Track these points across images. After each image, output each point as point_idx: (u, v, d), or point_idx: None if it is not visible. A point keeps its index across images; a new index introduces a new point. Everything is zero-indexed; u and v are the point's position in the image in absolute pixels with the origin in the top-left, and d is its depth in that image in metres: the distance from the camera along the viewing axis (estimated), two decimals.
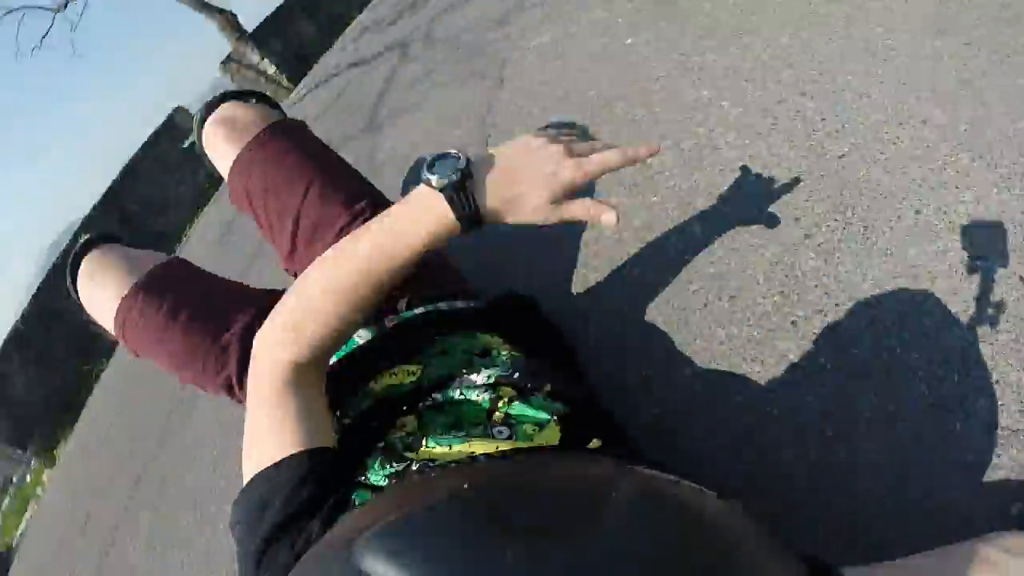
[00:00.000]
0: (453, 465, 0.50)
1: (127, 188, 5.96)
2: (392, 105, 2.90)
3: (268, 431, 0.54)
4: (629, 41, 1.85)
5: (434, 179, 0.51)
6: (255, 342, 0.59)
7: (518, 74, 2.18)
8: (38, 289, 5.38)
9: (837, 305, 0.88)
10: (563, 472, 0.46)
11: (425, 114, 2.50)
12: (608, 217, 0.53)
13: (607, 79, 1.75)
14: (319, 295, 0.56)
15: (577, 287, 1.26)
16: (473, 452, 0.52)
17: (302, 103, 4.46)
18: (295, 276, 0.89)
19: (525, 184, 0.52)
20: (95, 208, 5.83)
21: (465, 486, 0.39)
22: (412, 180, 2.07)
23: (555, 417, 0.59)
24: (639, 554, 0.32)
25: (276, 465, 0.51)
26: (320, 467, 0.52)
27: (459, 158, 0.52)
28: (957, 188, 0.90)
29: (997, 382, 0.70)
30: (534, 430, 0.57)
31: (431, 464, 0.51)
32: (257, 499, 0.51)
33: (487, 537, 0.33)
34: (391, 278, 0.56)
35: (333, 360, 0.72)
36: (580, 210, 0.54)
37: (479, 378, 0.64)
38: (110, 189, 5.96)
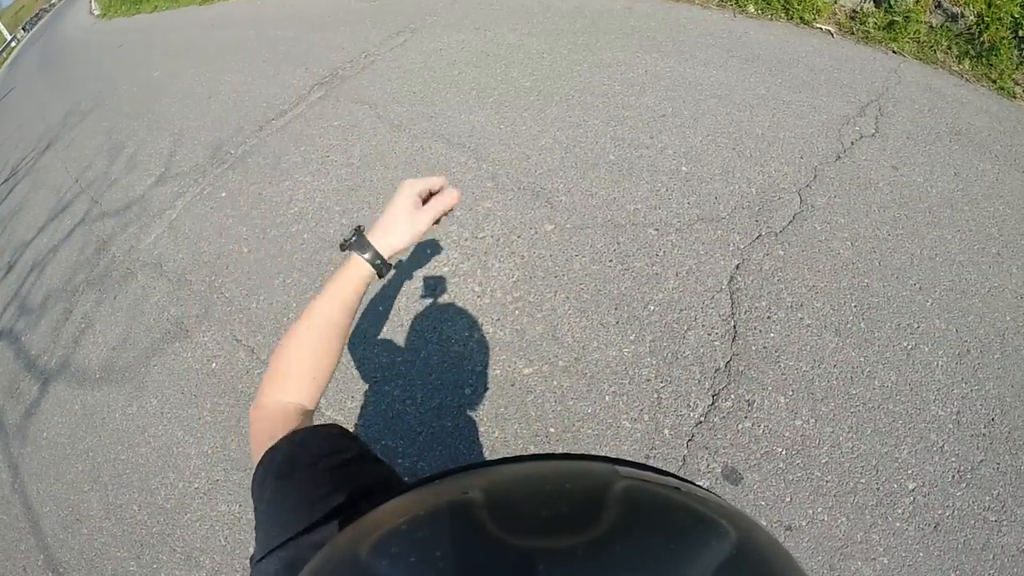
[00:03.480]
0: (453, 471, 0.52)
1: None
2: None
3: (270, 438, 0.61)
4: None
5: (347, 248, 0.73)
6: (260, 395, 0.69)
7: None
8: None
9: None
10: (563, 474, 0.48)
11: None
12: (453, 195, 0.73)
13: None
14: (300, 343, 0.71)
15: None
16: None
17: None
18: None
19: (396, 214, 0.71)
20: None
21: (467, 491, 0.40)
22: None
23: None
24: (638, 554, 0.33)
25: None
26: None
27: (358, 229, 0.73)
28: None
29: None
30: None
31: None
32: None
33: (489, 539, 0.34)
34: (346, 317, 0.73)
35: None
36: (435, 206, 0.72)
37: None
38: None
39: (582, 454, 0.53)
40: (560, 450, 1.80)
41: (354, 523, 0.44)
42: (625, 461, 0.49)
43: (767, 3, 3.37)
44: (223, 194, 3.07)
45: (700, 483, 0.71)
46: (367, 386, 2.09)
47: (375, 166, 2.88)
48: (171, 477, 2.14)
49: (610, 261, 2.19)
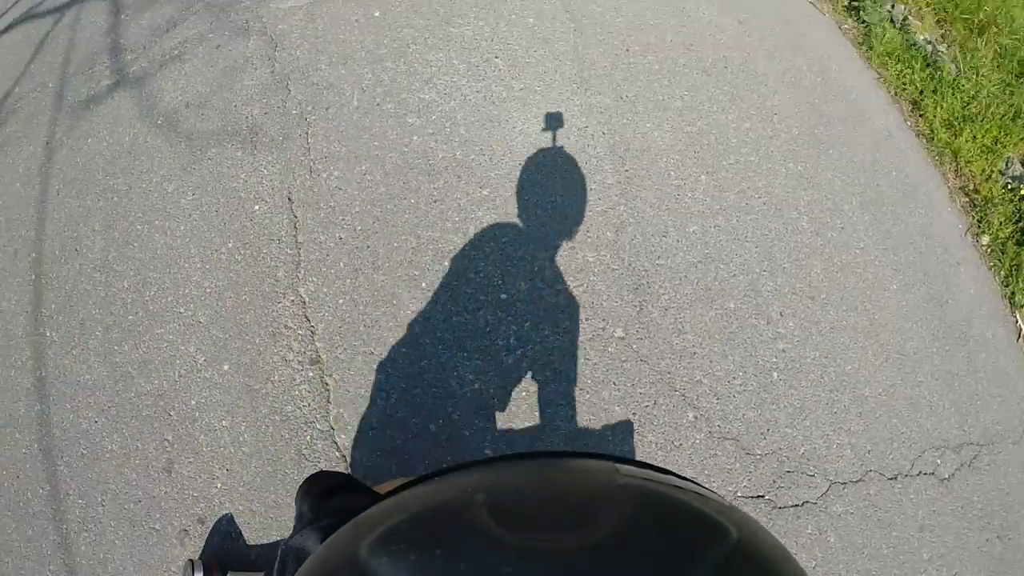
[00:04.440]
0: (455, 468, 0.52)
1: None
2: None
3: None
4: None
5: None
6: None
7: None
8: None
9: None
10: (563, 472, 0.48)
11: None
12: None
13: None
14: None
15: None
16: None
17: None
18: None
19: None
20: None
21: (468, 489, 0.40)
22: None
23: None
24: (639, 552, 0.33)
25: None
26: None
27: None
28: None
29: None
30: None
31: None
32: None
33: (490, 537, 0.34)
34: None
35: None
36: None
37: None
38: None
39: (582, 451, 0.58)
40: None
41: (354, 520, 0.44)
42: (625, 459, 0.50)
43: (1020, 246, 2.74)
44: (376, 13, 2.68)
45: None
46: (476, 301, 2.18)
47: (531, 102, 2.52)
48: (166, 284, 2.19)
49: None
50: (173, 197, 2.29)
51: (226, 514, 1.98)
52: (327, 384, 2.05)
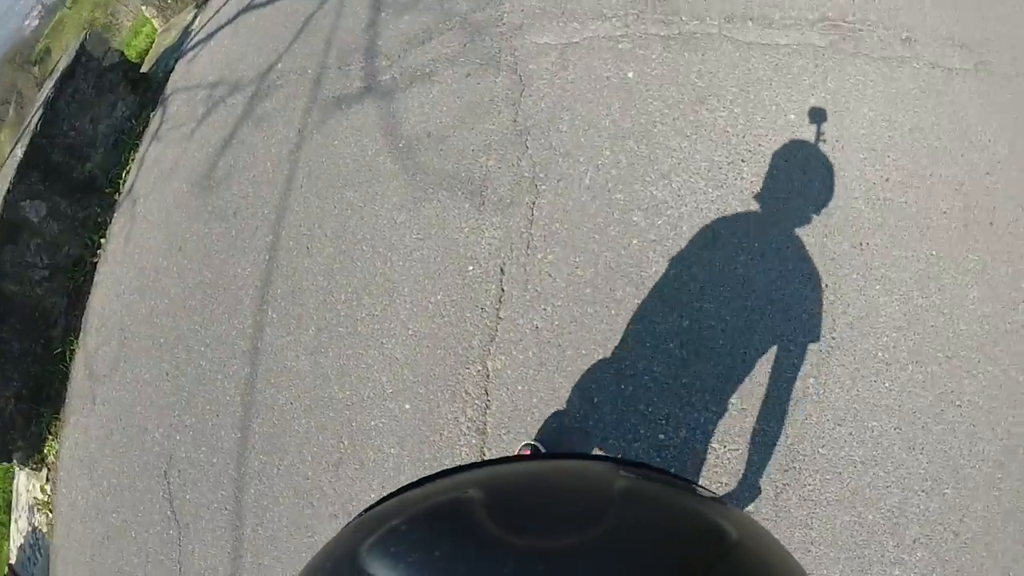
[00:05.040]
0: (454, 470, 0.52)
1: (47, 135, 3.97)
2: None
3: None
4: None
5: None
6: None
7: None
8: None
9: None
10: (562, 474, 0.48)
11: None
12: None
13: None
14: None
15: None
16: None
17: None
18: None
19: None
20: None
21: (467, 490, 0.40)
22: None
23: None
24: (636, 553, 0.33)
25: None
26: None
27: None
28: None
29: None
30: None
31: None
32: None
33: (489, 538, 0.34)
34: None
35: None
36: None
37: None
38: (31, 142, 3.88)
39: (583, 453, 0.76)
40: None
41: (354, 521, 0.45)
42: (625, 461, 0.50)
43: None
44: (630, 74, 2.53)
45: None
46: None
47: (762, 231, 2.39)
48: (377, 312, 2.42)
49: None
50: (400, 230, 2.43)
51: None
52: (484, 456, 2.27)
